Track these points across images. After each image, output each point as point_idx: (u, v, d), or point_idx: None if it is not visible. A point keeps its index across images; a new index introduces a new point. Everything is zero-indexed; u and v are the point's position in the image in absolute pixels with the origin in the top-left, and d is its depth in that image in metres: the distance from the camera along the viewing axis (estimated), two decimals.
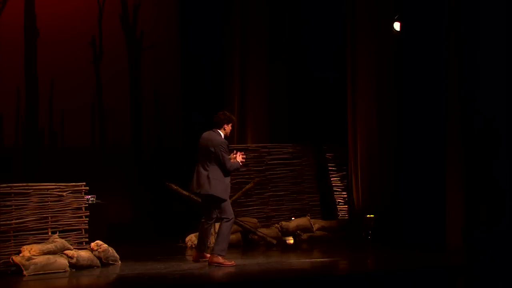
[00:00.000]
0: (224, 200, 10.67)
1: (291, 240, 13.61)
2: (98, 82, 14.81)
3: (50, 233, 10.62)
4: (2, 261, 10.23)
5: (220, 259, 10.59)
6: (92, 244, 10.79)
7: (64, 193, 10.76)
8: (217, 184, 10.60)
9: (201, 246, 10.94)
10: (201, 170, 10.70)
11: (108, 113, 14.86)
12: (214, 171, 10.63)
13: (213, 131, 10.80)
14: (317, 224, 13.82)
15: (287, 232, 13.64)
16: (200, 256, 10.89)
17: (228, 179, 10.74)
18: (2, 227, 10.28)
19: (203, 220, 10.93)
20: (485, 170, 11.54)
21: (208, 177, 10.60)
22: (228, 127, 10.82)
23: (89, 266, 10.53)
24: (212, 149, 10.62)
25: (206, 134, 10.84)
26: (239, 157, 10.81)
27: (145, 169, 14.89)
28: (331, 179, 14.77)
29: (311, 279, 9.89)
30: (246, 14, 14.78)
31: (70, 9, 14.59)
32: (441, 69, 12.20)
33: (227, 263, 10.60)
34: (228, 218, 10.68)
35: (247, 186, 13.63)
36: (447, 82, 11.96)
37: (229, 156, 10.74)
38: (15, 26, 14.29)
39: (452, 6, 11.85)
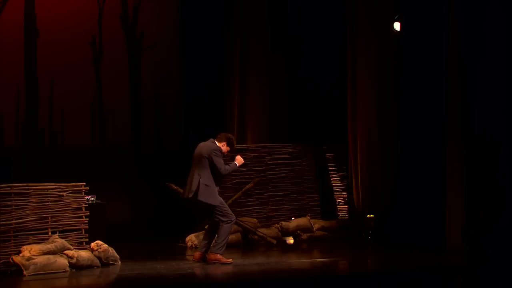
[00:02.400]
0: (215, 206, 10.71)
1: (291, 240, 13.60)
2: (98, 82, 14.80)
3: (50, 233, 10.61)
4: (2, 261, 10.21)
5: (218, 256, 10.72)
6: (92, 244, 10.78)
7: (64, 193, 10.75)
8: (205, 189, 10.66)
9: (206, 246, 10.96)
10: (193, 176, 10.76)
11: (108, 113, 14.85)
12: (206, 177, 10.71)
13: (210, 141, 10.91)
14: (317, 224, 13.82)
15: (287, 232, 13.63)
16: (203, 256, 10.91)
17: (217, 187, 10.80)
18: (2, 227, 10.27)
19: (210, 222, 11.00)
20: (485, 170, 11.54)
21: (199, 183, 10.68)
22: (225, 147, 10.89)
23: (89, 266, 10.52)
24: (206, 155, 10.73)
25: (202, 143, 10.96)
26: (238, 157, 10.94)
27: (145, 169, 14.89)
28: (331, 179, 14.76)
29: (311, 279, 9.89)
30: (246, 14, 14.77)
31: (70, 9, 14.57)
32: (441, 69, 12.20)
33: (225, 260, 10.71)
34: (229, 220, 10.76)
35: (247, 186, 13.63)
36: (447, 82, 11.96)
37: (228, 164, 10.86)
38: (15, 26, 14.27)
39: (452, 6, 11.85)
